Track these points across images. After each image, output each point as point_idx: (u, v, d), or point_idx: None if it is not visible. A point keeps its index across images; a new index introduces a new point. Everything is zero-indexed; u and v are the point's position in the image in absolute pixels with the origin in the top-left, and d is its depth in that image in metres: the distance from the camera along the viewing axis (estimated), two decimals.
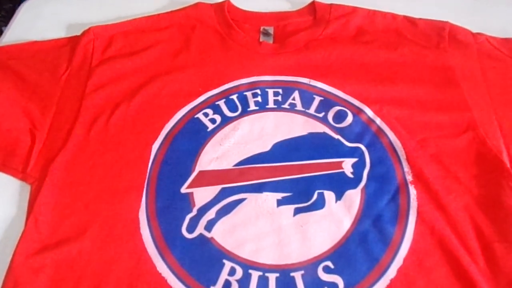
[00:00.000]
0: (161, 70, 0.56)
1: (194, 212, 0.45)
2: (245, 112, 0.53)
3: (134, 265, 0.42)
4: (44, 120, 0.51)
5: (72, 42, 0.58)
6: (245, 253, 0.42)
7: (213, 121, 0.52)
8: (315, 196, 0.46)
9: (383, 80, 0.55)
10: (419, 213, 0.44)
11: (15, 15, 0.67)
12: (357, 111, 0.53)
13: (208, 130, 0.52)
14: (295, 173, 0.48)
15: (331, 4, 0.62)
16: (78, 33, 0.59)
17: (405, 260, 0.42)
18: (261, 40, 0.60)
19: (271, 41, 0.59)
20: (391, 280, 0.40)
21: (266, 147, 0.50)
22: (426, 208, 0.45)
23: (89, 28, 0.58)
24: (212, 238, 0.44)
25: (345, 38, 0.59)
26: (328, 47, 0.57)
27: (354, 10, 0.61)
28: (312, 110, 0.53)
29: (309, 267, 0.42)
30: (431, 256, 0.42)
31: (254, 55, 0.57)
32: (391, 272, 0.41)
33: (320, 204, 0.46)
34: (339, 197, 0.46)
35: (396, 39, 0.58)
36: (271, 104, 0.54)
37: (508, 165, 0.47)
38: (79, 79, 0.55)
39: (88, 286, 0.41)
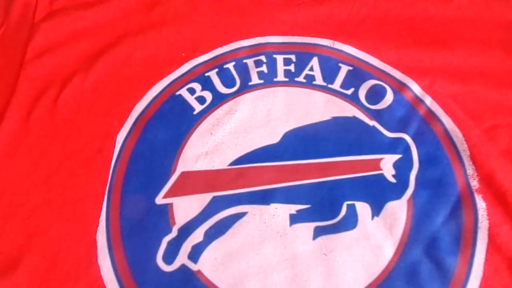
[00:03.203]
0: (130, 28, 0.43)
1: (174, 232, 0.33)
2: (246, 87, 0.40)
3: None
4: None
5: None
6: None
7: (201, 100, 0.39)
8: (343, 210, 0.34)
9: (434, 43, 0.42)
10: (491, 236, 0.32)
11: None
12: (399, 87, 0.40)
13: (195, 113, 0.39)
14: (315, 176, 0.35)
15: None
16: None
17: None
18: None
19: None
20: None
21: (274, 137, 0.38)
22: (501, 229, 0.32)
23: None
24: (198, 271, 0.32)
25: None
26: None
27: None
28: (337, 85, 0.40)
29: None
30: None
31: (257, 7, 0.44)
32: None
33: (350, 221, 0.33)
34: (377, 211, 0.34)
35: None
36: (280, 76, 0.41)
37: None
38: (16, 39, 0.42)
39: None
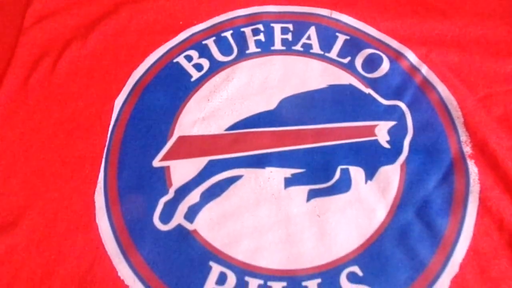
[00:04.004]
0: None
1: (171, 194, 0.34)
2: (243, 55, 0.41)
3: (87, 268, 0.31)
4: None
5: None
6: (240, 253, 0.31)
7: (198, 67, 0.40)
8: (337, 174, 0.34)
9: (431, 13, 0.42)
10: (481, 199, 0.33)
11: None
12: (396, 56, 0.40)
13: (192, 79, 0.39)
14: (310, 141, 0.36)
15: None
16: None
17: (462, 266, 0.31)
18: None
19: None
20: None
21: (270, 104, 0.38)
22: (491, 193, 0.33)
23: None
24: (194, 231, 0.32)
25: None
26: None
27: None
28: (333, 54, 0.40)
29: (329, 274, 0.31)
30: (499, 261, 0.31)
31: None
32: (443, 284, 0.30)
33: (344, 185, 0.34)
34: (370, 175, 0.34)
35: None
36: (278, 45, 0.41)
37: None
38: (15, 6, 0.42)
39: None
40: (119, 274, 0.30)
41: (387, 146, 0.35)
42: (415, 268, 0.30)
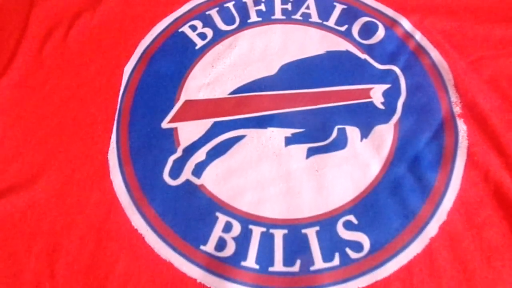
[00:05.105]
0: None
1: (179, 152, 0.36)
2: (245, 24, 0.42)
3: (103, 220, 0.33)
4: None
5: None
6: (244, 205, 0.34)
7: (202, 36, 0.42)
8: (334, 133, 0.36)
9: None
10: (469, 154, 0.35)
11: None
12: (391, 23, 0.42)
13: (197, 48, 0.41)
14: (309, 103, 0.38)
15: None
16: None
17: (449, 214, 0.33)
18: None
19: None
20: (431, 239, 0.32)
21: (271, 69, 0.40)
22: (478, 149, 0.35)
23: None
24: (202, 185, 0.35)
25: None
26: None
27: None
28: (331, 22, 0.42)
29: (326, 222, 0.33)
30: (484, 209, 0.33)
31: None
32: (432, 230, 0.32)
33: (341, 143, 0.36)
34: (365, 134, 0.36)
35: None
36: (278, 14, 0.43)
37: None
38: None
39: (44, 245, 0.32)
40: (133, 224, 0.33)
41: (381, 107, 0.37)
42: (406, 216, 0.33)
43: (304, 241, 0.32)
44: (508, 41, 0.39)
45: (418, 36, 0.40)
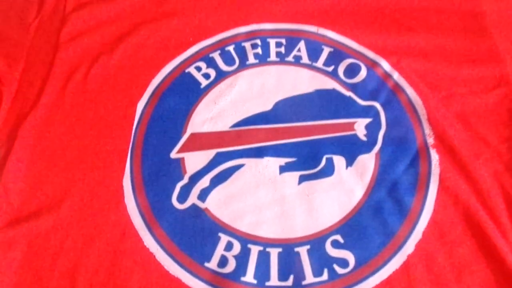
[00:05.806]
0: (146, 17, 0.50)
1: (186, 179, 0.40)
2: (244, 66, 0.47)
3: (118, 240, 0.37)
4: (12, 75, 0.45)
5: None
6: (243, 226, 0.38)
7: (206, 76, 0.46)
8: (323, 162, 0.41)
9: (402, 28, 0.49)
10: (441, 180, 0.39)
11: None
12: (372, 64, 0.47)
13: (201, 86, 0.46)
14: (300, 135, 0.42)
15: None
16: None
17: (424, 233, 0.37)
18: None
19: None
20: (409, 256, 0.36)
21: (267, 106, 0.44)
22: (449, 175, 0.39)
23: None
24: (206, 209, 0.39)
25: None
26: None
27: None
28: (320, 64, 0.47)
29: (316, 241, 0.37)
30: (454, 229, 0.37)
31: None
32: (409, 247, 0.36)
33: (328, 170, 0.40)
34: (350, 162, 0.41)
35: None
36: (273, 57, 0.48)
37: None
38: (51, 27, 0.48)
39: (66, 263, 0.36)
40: (145, 243, 0.37)
41: (364, 138, 0.42)
42: (387, 235, 0.37)
43: (296, 259, 0.36)
44: (474, 80, 0.44)
45: (396, 75, 0.46)
